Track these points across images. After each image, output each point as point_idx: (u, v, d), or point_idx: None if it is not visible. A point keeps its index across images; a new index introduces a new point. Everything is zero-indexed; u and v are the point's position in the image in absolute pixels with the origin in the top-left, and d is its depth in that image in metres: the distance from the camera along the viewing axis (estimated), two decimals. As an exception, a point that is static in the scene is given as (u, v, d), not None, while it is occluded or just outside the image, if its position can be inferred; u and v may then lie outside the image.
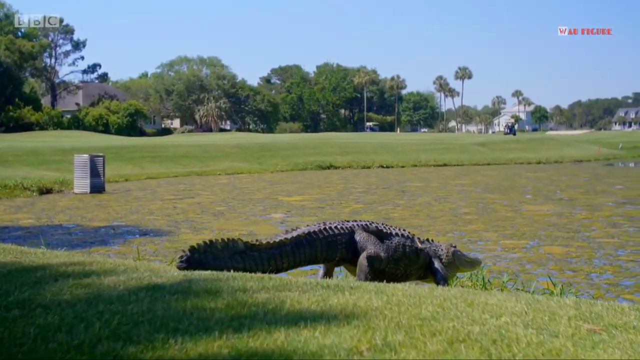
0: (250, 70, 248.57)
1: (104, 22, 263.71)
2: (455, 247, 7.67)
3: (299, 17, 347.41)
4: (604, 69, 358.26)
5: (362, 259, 6.76)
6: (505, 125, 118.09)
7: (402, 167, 47.55)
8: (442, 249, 7.48)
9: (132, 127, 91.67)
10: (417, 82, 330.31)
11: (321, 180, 34.70)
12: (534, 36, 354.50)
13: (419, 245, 7.34)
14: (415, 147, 57.25)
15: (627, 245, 14.17)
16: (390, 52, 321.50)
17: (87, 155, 27.08)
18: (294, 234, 6.62)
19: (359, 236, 6.88)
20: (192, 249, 5.99)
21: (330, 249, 6.74)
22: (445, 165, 49.62)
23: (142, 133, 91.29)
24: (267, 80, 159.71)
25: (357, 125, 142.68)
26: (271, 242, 6.43)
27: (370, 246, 6.83)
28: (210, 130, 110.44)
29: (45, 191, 26.81)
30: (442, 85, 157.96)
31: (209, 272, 5.40)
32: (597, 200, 23.64)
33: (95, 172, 26.77)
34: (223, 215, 19.81)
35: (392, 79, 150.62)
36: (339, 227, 6.86)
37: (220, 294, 4.23)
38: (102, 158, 27.33)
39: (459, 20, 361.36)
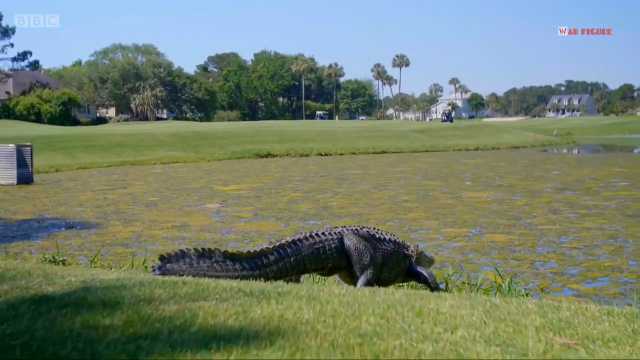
0: (186, 58, 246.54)
1: (35, 8, 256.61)
2: (418, 246, 7.37)
3: (235, 4, 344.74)
4: (538, 56, 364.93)
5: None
6: (443, 113, 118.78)
7: (341, 154, 47.17)
8: (412, 250, 7.05)
9: (65, 116, 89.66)
10: (355, 70, 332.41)
11: (259, 168, 34.02)
12: (469, 24, 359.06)
13: (406, 251, 6.95)
14: (353, 135, 56.82)
15: (569, 232, 13.92)
16: (328, 39, 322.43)
17: (13, 145, 25.97)
18: (277, 243, 6.12)
19: (349, 241, 6.37)
20: (162, 258, 5.54)
21: (318, 256, 6.19)
22: (384, 152, 49.36)
23: (76, 122, 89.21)
24: (204, 68, 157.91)
25: (295, 114, 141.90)
26: (252, 251, 5.97)
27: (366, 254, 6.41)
28: (146, 119, 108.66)
29: (-33, 183, 25.54)
30: (380, 73, 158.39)
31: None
32: (536, 186, 23.52)
33: (22, 163, 25.72)
34: (156, 205, 19.04)
35: (330, 66, 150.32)
36: (326, 232, 6.37)
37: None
38: (29, 147, 26.25)
39: (396, 7, 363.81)
